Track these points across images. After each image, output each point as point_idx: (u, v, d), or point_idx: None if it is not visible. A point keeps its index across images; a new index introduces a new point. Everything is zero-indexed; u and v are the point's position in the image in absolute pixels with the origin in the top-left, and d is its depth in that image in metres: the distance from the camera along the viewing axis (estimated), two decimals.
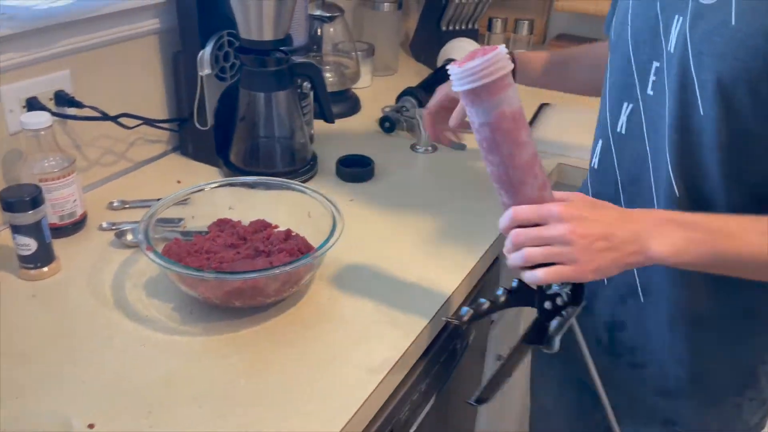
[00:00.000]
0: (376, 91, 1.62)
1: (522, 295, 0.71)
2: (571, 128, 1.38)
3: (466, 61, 0.60)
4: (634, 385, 0.88)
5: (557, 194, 0.66)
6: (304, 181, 1.14)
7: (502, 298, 0.72)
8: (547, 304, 0.71)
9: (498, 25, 1.79)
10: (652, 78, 0.74)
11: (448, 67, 0.63)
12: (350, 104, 1.47)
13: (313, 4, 1.39)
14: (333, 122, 1.19)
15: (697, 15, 0.66)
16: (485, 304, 0.71)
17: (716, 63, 0.65)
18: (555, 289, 0.70)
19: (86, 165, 1.08)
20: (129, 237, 0.95)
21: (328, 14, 1.39)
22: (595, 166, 0.86)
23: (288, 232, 0.88)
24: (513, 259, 0.66)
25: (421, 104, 1.41)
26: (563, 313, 0.71)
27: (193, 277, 0.77)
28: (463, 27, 1.76)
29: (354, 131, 1.37)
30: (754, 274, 0.68)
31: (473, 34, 1.76)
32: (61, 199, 0.93)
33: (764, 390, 0.85)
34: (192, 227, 0.93)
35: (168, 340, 0.78)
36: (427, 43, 1.78)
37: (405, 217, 1.06)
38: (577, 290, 0.70)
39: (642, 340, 0.85)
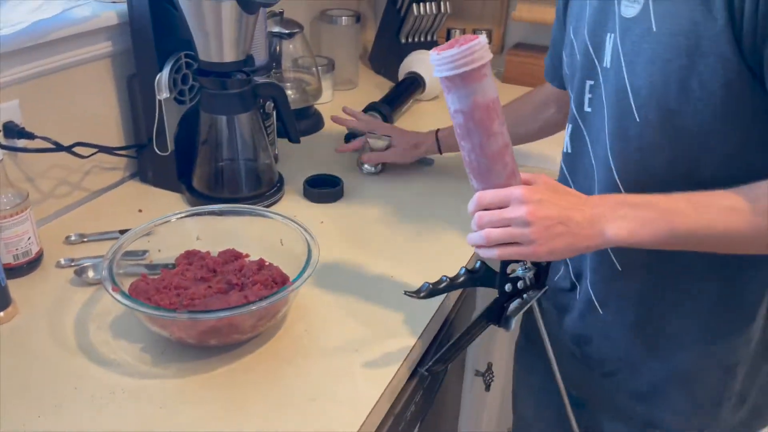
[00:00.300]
0: (338, 106, 1.58)
1: (483, 276, 0.73)
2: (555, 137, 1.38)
3: (446, 48, 0.62)
4: (611, 392, 0.89)
5: (524, 176, 0.68)
6: (271, 205, 1.11)
7: (462, 277, 0.73)
8: (508, 287, 0.73)
9: (456, 35, 1.79)
10: (587, 96, 0.79)
11: (429, 52, 0.64)
12: (313, 121, 1.44)
13: (271, 21, 1.36)
14: (298, 142, 1.16)
15: (625, 29, 0.72)
16: (444, 281, 0.72)
17: (648, 68, 0.69)
18: (518, 273, 0.73)
19: (39, 198, 1.03)
20: (90, 274, 0.90)
21: (287, 31, 1.36)
22: None
23: (261, 262, 0.85)
24: (473, 238, 0.68)
25: (386, 118, 1.40)
26: (524, 296, 0.74)
27: (165, 318, 0.73)
28: (422, 39, 1.75)
29: (319, 149, 1.35)
30: (712, 247, 0.69)
31: (432, 46, 1.75)
32: (15, 238, 0.88)
33: (744, 388, 0.86)
34: (158, 260, 0.89)
35: (139, 385, 0.74)
36: (386, 55, 1.77)
37: (379, 237, 1.04)
38: (540, 275, 0.73)
39: (608, 351, 0.87)
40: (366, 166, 1.24)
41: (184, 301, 0.77)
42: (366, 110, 1.42)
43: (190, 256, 0.87)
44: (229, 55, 1.02)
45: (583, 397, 0.92)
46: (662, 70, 0.68)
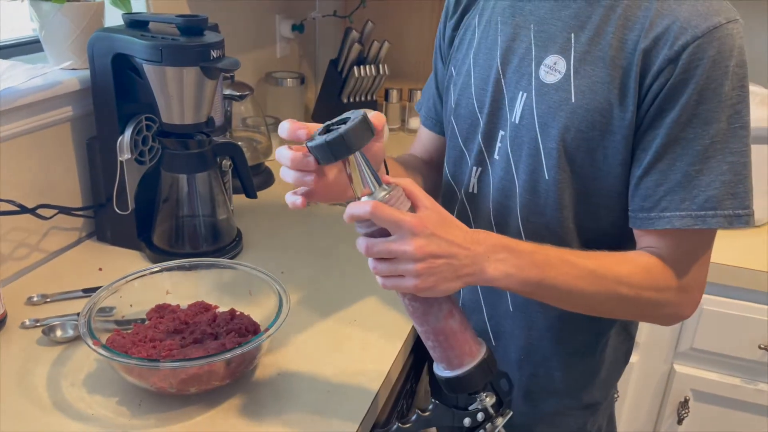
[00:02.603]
0: None
1: (437, 415, 0.70)
2: None
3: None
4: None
5: (415, 193, 0.65)
6: (232, 258, 1.15)
7: (413, 422, 0.69)
8: (467, 421, 0.69)
9: (394, 95, 1.91)
10: (498, 144, 0.84)
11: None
12: (264, 177, 1.50)
13: (224, 83, 1.43)
14: (256, 197, 1.22)
15: (541, 92, 0.77)
16: (393, 428, 0.69)
17: (561, 133, 0.76)
18: (475, 406, 0.70)
19: None
20: (59, 333, 0.91)
21: (238, 93, 1.43)
22: None
23: (232, 312, 0.89)
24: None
25: None
26: (486, 426, 0.69)
27: (147, 368, 0.75)
28: (362, 99, 1.86)
29: (271, 203, 1.40)
30: (570, 305, 0.75)
31: (372, 105, 1.87)
32: None
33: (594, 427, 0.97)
34: (128, 315, 0.91)
35: None
36: (329, 114, 1.85)
37: (339, 284, 1.10)
38: (500, 398, 0.70)
39: None
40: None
41: (162, 352, 0.80)
42: None
43: (161, 310, 0.90)
44: (190, 117, 1.08)
45: None
46: (575, 138, 0.76)
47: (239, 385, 0.84)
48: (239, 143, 1.46)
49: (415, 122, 1.92)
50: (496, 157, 0.84)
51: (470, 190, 0.89)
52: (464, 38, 0.89)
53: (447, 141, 0.92)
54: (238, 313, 0.89)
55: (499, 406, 0.70)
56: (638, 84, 0.72)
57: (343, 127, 0.61)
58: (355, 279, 1.11)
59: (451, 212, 0.93)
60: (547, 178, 0.79)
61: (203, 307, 0.91)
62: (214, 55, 1.03)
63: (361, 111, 0.63)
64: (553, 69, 0.77)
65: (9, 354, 0.88)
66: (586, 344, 0.90)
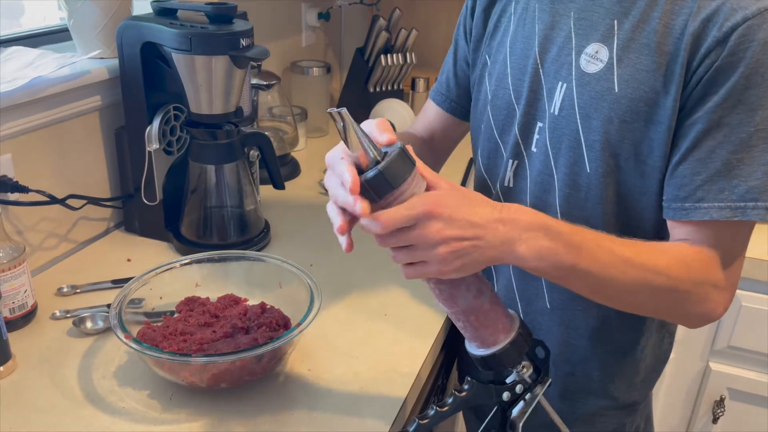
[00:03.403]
0: (311, 152, 1.65)
1: (475, 394, 0.66)
2: None
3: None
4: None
5: (428, 177, 0.60)
6: (259, 250, 1.14)
7: (451, 404, 0.65)
8: (506, 395, 0.66)
9: (421, 84, 1.88)
10: (535, 136, 0.81)
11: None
12: (291, 168, 1.49)
13: (251, 72, 1.41)
14: (284, 188, 1.20)
15: (582, 82, 0.75)
16: (432, 412, 0.65)
17: (604, 125, 0.73)
18: (513, 378, 0.67)
19: (29, 250, 1.03)
20: (89, 324, 0.90)
21: (265, 82, 1.41)
22: None
23: (263, 306, 0.87)
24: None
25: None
26: (526, 397, 0.67)
27: (178, 363, 0.74)
28: (389, 88, 1.83)
29: (298, 194, 1.39)
30: (599, 293, 0.69)
31: (399, 94, 1.84)
32: (12, 291, 0.88)
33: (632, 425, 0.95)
34: (158, 307, 0.90)
35: (151, 431, 0.75)
36: (355, 103, 1.84)
37: (368, 278, 1.08)
38: (538, 367, 0.67)
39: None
40: None
41: (192, 346, 0.79)
42: None
43: (191, 303, 0.89)
44: (219, 107, 1.06)
45: None
46: (619, 129, 0.73)
47: (269, 381, 0.83)
48: (266, 133, 1.45)
49: None
50: (533, 149, 0.82)
51: (506, 184, 0.86)
52: (499, 25, 0.86)
53: (481, 132, 0.89)
54: (268, 306, 0.88)
55: (537, 375, 0.67)
56: (684, 70, 0.69)
57: (381, 164, 0.56)
58: (386, 271, 1.09)
59: None
60: (588, 171, 0.76)
61: (233, 300, 0.90)
62: (244, 44, 1.01)
63: (398, 144, 0.58)
64: (594, 58, 0.74)
65: (41, 345, 0.88)
66: (626, 343, 0.87)
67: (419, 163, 0.60)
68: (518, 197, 0.85)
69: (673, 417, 1.47)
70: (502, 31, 0.85)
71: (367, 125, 0.60)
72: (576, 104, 0.75)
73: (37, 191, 0.98)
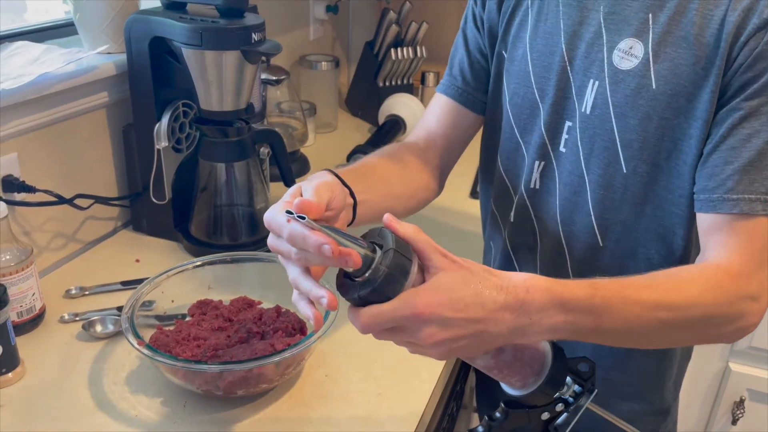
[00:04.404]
0: (321, 148, 1.62)
1: (510, 421, 0.61)
2: None
3: None
4: None
5: (420, 250, 0.52)
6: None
7: None
8: (545, 415, 0.61)
9: (431, 78, 1.85)
10: (564, 136, 0.78)
11: None
12: (300, 165, 1.46)
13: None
14: None
15: (616, 80, 0.72)
16: None
17: (642, 124, 0.70)
18: (557, 395, 0.61)
19: (36, 251, 1.00)
20: (99, 328, 0.88)
21: (275, 78, 1.38)
22: (512, 219, 0.87)
23: (278, 309, 0.85)
24: None
25: None
26: (569, 410, 0.62)
27: (194, 371, 0.72)
28: (399, 82, 1.80)
29: None
30: (629, 343, 0.66)
31: (408, 89, 1.81)
32: (20, 294, 0.85)
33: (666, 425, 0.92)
34: (169, 310, 0.88)
35: None
36: (364, 98, 1.81)
37: None
38: (585, 380, 0.62)
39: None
40: None
41: (207, 352, 0.76)
42: (352, 153, 1.45)
43: (203, 306, 0.87)
44: (229, 104, 1.03)
45: None
46: (659, 127, 0.70)
47: (286, 387, 0.80)
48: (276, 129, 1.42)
49: None
50: (562, 149, 0.78)
51: (532, 186, 0.83)
52: (513, 20, 0.82)
53: (501, 132, 0.86)
54: (283, 310, 0.85)
55: (582, 389, 0.61)
56: (724, 61, 0.66)
57: (377, 281, 0.50)
58: None
59: (508, 210, 0.87)
60: (625, 171, 0.73)
61: (246, 303, 0.88)
62: (255, 38, 0.98)
63: (389, 238, 0.52)
64: (628, 54, 0.71)
65: (49, 350, 0.85)
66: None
67: (411, 232, 0.52)
68: (546, 199, 0.82)
69: (691, 418, 1.45)
70: (517, 26, 0.81)
71: (306, 191, 0.56)
72: (610, 102, 0.72)
73: (44, 191, 0.95)
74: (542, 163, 0.81)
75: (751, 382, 1.36)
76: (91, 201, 1.04)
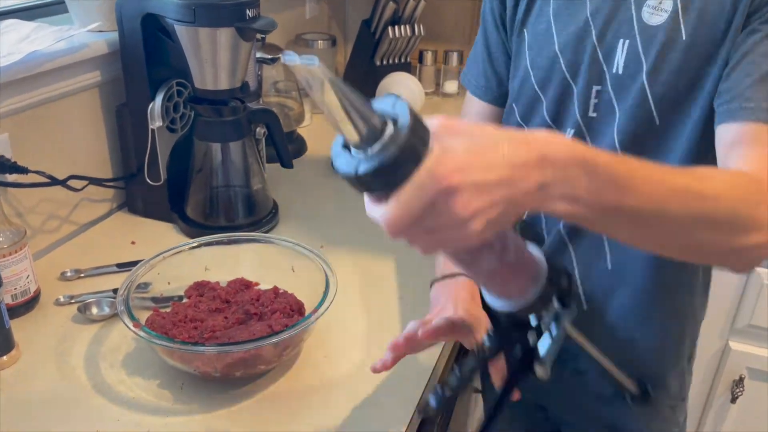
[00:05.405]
0: (317, 128, 1.60)
1: (498, 346, 0.58)
2: None
3: None
4: (578, 393, 0.90)
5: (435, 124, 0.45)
6: (268, 231, 1.10)
7: (472, 366, 0.58)
8: (531, 339, 0.57)
9: (429, 57, 1.83)
10: (593, 101, 0.77)
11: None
12: (297, 145, 1.44)
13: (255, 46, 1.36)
14: (292, 167, 1.16)
15: (647, 36, 0.72)
16: (455, 379, 0.58)
17: (673, 77, 0.70)
18: (532, 322, 0.57)
19: (30, 233, 0.99)
20: (94, 311, 0.87)
21: (270, 56, 1.35)
22: None
23: (276, 290, 0.84)
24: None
25: None
26: (552, 335, 0.56)
27: (191, 352, 0.71)
28: (396, 61, 1.78)
29: (306, 172, 1.34)
30: (644, 235, 0.57)
31: (406, 67, 1.79)
32: (14, 277, 0.84)
33: (686, 389, 0.93)
34: (166, 292, 0.87)
35: (163, 423, 0.71)
36: (361, 77, 1.78)
37: (381, 258, 1.04)
38: (563, 298, 0.57)
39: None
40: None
41: (204, 334, 0.76)
42: None
43: (200, 288, 0.86)
44: (224, 83, 1.01)
45: (547, 401, 0.95)
46: (693, 77, 0.70)
47: (284, 369, 0.80)
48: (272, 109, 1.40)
49: (450, 86, 1.84)
50: (592, 114, 0.77)
51: None
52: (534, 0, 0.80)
53: (524, 107, 0.83)
54: (281, 291, 0.84)
55: (563, 306, 0.56)
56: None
57: (393, 144, 0.41)
58: (399, 252, 1.06)
59: None
60: (658, 123, 0.72)
61: (244, 284, 0.87)
62: (250, 15, 0.96)
63: (401, 104, 0.43)
64: (657, 9, 0.71)
65: (45, 333, 0.84)
66: (683, 304, 0.84)
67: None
68: None
69: (690, 396, 1.45)
70: (539, 3, 0.80)
71: None
72: (643, 59, 0.72)
73: (37, 172, 0.93)
74: (572, 131, 0.79)
75: (750, 360, 1.36)
76: (85, 182, 1.03)
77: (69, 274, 0.95)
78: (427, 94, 1.77)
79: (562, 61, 0.78)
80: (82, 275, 0.96)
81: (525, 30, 0.82)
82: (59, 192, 1.01)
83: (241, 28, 0.96)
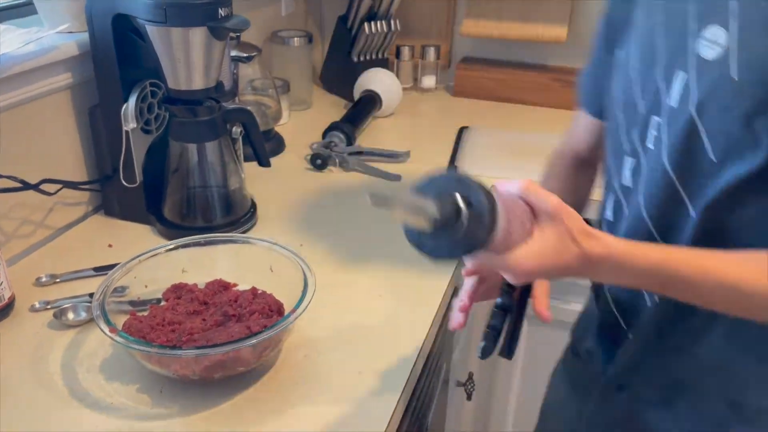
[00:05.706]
0: (295, 126, 1.59)
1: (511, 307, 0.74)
2: (494, 148, 1.44)
3: None
4: (624, 403, 0.85)
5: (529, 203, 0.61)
6: (246, 231, 1.10)
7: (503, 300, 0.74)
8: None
9: (406, 52, 1.82)
10: (653, 133, 0.75)
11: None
12: (275, 144, 1.44)
13: (230, 44, 1.35)
14: (269, 165, 1.15)
15: (702, 70, 0.68)
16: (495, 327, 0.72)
17: (722, 115, 0.67)
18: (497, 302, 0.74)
19: (2, 239, 0.97)
20: (70, 316, 0.86)
21: (245, 54, 1.35)
22: (610, 219, 0.85)
23: (254, 291, 0.83)
24: None
25: (349, 137, 1.41)
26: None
27: (168, 356, 0.71)
28: (373, 57, 1.77)
29: (284, 171, 1.34)
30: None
31: (383, 63, 1.78)
32: None
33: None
34: (143, 295, 0.86)
35: (144, 428, 0.71)
36: (338, 74, 1.78)
37: (361, 256, 1.04)
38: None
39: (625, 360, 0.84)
40: None
41: (182, 337, 0.75)
42: (328, 130, 1.43)
43: (178, 290, 0.85)
44: (198, 83, 1.01)
45: (631, 380, 0.87)
46: (739, 119, 0.65)
47: (264, 369, 0.80)
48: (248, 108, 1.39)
49: (428, 81, 1.84)
50: (649, 146, 0.75)
51: (624, 183, 0.80)
52: (628, 19, 0.80)
53: (608, 132, 0.83)
54: (260, 291, 0.84)
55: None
56: None
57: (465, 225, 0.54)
58: (378, 250, 1.06)
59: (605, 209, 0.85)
60: (714, 161, 0.68)
61: (222, 286, 0.86)
62: (222, 14, 0.95)
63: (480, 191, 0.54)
64: (713, 42, 0.67)
65: (20, 340, 0.83)
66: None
67: (526, 186, 0.60)
68: (634, 196, 0.78)
69: None
70: (630, 25, 0.79)
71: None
72: (694, 94, 0.69)
73: (8, 177, 0.92)
74: (633, 160, 0.78)
75: None
76: (59, 186, 1.02)
77: (44, 279, 0.94)
78: (404, 89, 1.76)
79: (633, 88, 0.77)
80: (58, 280, 0.95)
81: (617, 49, 0.81)
82: (33, 196, 0.99)
83: (214, 28, 0.95)
